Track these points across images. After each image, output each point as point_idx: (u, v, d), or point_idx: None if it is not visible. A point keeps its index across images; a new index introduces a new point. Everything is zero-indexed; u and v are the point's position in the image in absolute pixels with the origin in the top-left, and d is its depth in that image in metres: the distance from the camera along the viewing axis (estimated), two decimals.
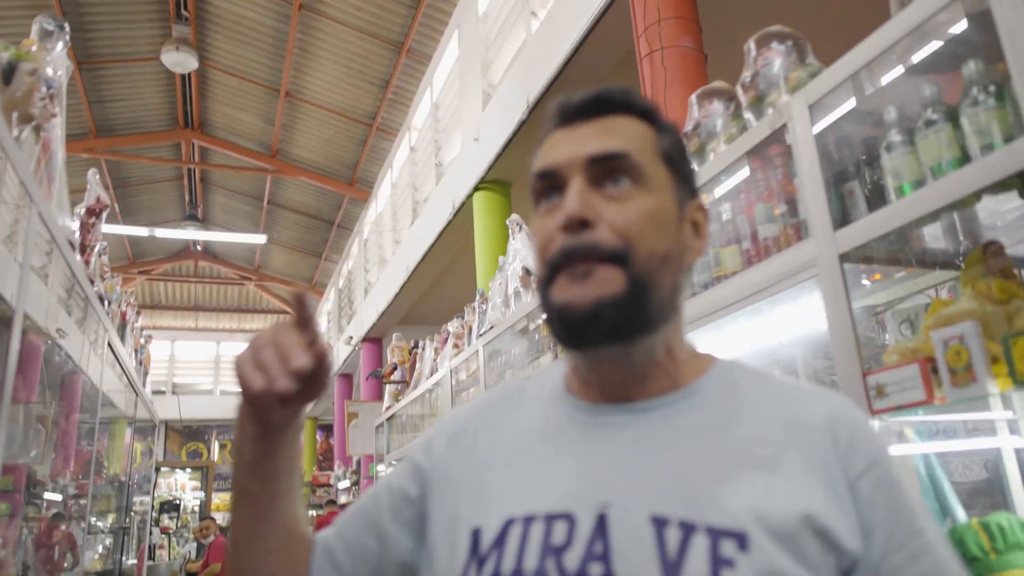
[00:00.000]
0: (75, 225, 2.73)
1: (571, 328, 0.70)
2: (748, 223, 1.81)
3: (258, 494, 0.78)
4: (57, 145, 2.19)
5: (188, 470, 13.37)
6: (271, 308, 19.63)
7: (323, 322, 17.14)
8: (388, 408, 6.22)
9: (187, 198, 14.63)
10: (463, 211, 8.25)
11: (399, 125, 11.38)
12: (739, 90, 1.89)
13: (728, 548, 0.62)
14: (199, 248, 17.05)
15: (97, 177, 2.74)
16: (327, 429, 18.73)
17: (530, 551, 0.66)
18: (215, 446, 19.40)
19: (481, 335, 3.65)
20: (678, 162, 0.77)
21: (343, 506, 10.17)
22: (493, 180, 7.84)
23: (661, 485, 0.68)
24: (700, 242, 0.78)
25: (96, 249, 2.75)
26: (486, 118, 7.75)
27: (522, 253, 3.36)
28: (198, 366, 19.27)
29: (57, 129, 2.18)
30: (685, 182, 0.77)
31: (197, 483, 12.73)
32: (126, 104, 11.57)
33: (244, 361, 0.69)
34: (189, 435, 19.13)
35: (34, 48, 1.90)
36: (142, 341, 4.32)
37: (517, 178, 7.82)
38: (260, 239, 13.63)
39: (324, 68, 10.67)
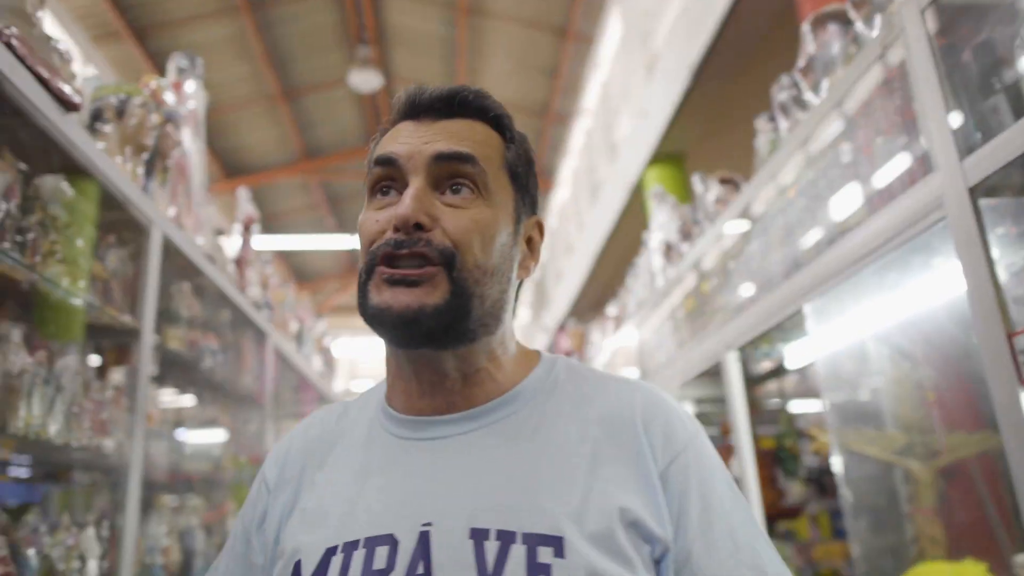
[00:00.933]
0: (236, 240, 3.01)
1: (388, 330, 0.69)
2: (868, 163, 1.52)
3: None
4: (195, 170, 2.40)
5: None
6: None
7: (525, 313, 17.63)
8: None
9: None
10: (639, 190, 8.00)
11: (572, 111, 11.34)
12: (849, 7, 1.59)
13: (545, 554, 0.62)
14: None
15: (248, 194, 2.99)
16: None
17: None
18: None
19: (632, 316, 3.49)
20: (522, 176, 0.76)
21: None
22: (665, 154, 7.52)
23: (480, 497, 0.66)
24: (533, 260, 0.78)
25: (254, 260, 2.99)
26: (651, 91, 7.45)
27: (665, 227, 3.16)
28: None
29: (192, 156, 2.39)
30: (526, 196, 0.76)
31: None
32: (327, 127, 12.68)
33: None
34: None
35: (153, 84, 2.09)
36: (325, 344, 4.68)
37: (690, 149, 7.43)
38: None
39: (494, 66, 10.90)
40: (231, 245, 2.94)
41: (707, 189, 2.63)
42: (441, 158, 0.70)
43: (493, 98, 0.76)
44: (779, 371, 2.91)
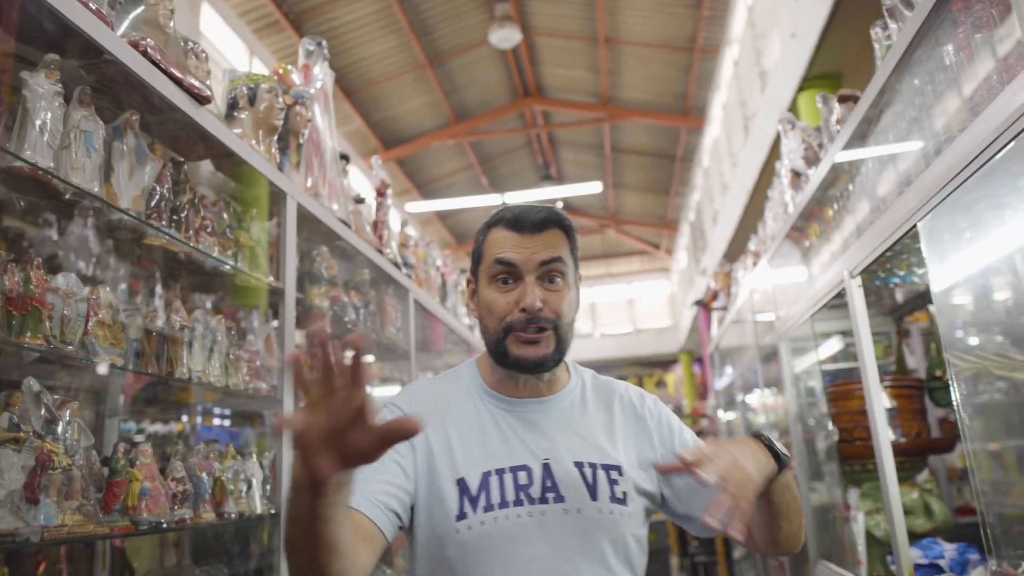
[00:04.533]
0: (371, 206, 3.26)
1: (523, 369, 1.15)
2: (968, 64, 1.40)
3: (332, 520, 0.80)
4: (327, 144, 2.64)
5: None
6: (632, 250, 20.42)
7: (682, 258, 17.24)
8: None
9: (540, 160, 15.88)
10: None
11: (719, 42, 10.78)
12: None
13: (614, 474, 1.14)
14: (561, 204, 18.42)
15: (380, 162, 3.22)
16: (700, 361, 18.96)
17: (507, 489, 1.09)
18: None
19: (766, 250, 3.38)
20: (576, 252, 1.21)
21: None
22: (818, 76, 6.99)
23: (570, 444, 1.15)
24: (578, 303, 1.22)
25: (390, 223, 3.24)
26: (800, 9, 6.93)
27: (793, 153, 3.01)
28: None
29: (324, 131, 2.62)
30: (578, 263, 1.21)
31: None
32: (472, 88, 12.98)
33: (313, 447, 0.69)
34: None
35: (280, 70, 2.32)
36: None
37: (846, 68, 6.86)
38: (596, 187, 14.11)
39: (634, 4, 10.59)
40: (370, 211, 3.20)
41: (829, 110, 2.49)
42: (544, 263, 1.13)
43: (564, 213, 1.18)
44: (926, 298, 2.72)
